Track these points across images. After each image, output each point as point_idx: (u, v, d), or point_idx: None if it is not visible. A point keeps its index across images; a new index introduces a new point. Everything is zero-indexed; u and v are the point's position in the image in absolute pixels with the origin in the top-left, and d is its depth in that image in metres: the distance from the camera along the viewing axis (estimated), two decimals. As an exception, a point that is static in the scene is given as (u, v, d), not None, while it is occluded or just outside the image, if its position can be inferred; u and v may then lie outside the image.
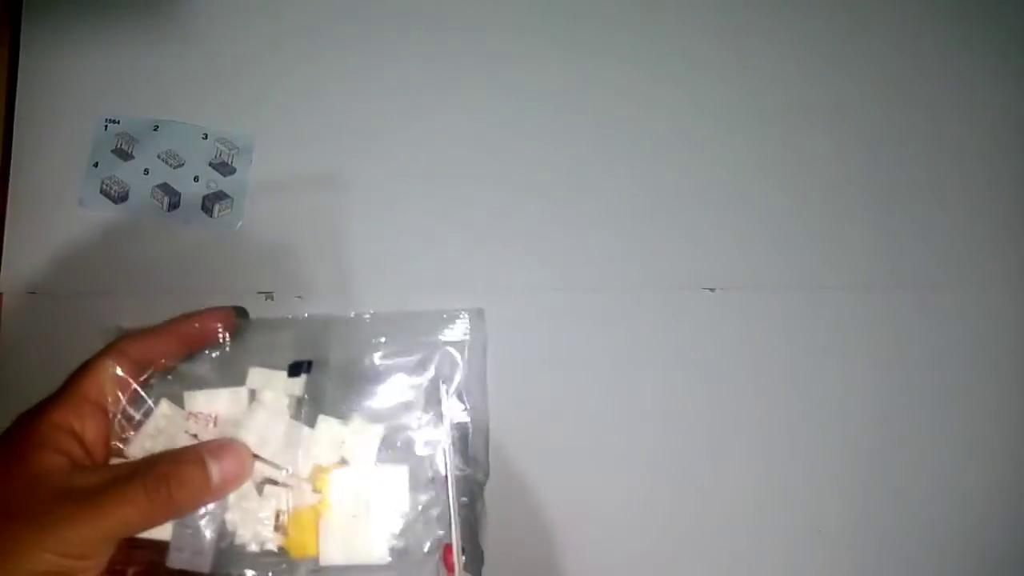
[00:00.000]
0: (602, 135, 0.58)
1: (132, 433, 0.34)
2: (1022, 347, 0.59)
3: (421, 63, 0.57)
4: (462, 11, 0.58)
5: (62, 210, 0.52)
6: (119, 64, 0.54)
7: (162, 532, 0.33)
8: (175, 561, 0.34)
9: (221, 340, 0.36)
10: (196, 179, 0.53)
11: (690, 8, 0.60)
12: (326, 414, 0.34)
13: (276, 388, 0.34)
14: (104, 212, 0.52)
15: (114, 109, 0.53)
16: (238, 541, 0.34)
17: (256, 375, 0.34)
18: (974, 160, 0.61)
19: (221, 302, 0.52)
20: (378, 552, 0.34)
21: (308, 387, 0.35)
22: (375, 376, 0.35)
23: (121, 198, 0.52)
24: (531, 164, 0.57)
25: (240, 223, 0.54)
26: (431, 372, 0.36)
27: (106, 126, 0.53)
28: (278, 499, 0.33)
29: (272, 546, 0.34)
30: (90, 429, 0.34)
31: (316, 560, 0.33)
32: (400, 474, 0.34)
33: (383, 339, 0.36)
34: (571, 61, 0.58)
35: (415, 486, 0.35)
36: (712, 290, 0.57)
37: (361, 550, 0.33)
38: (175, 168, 0.53)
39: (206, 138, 0.54)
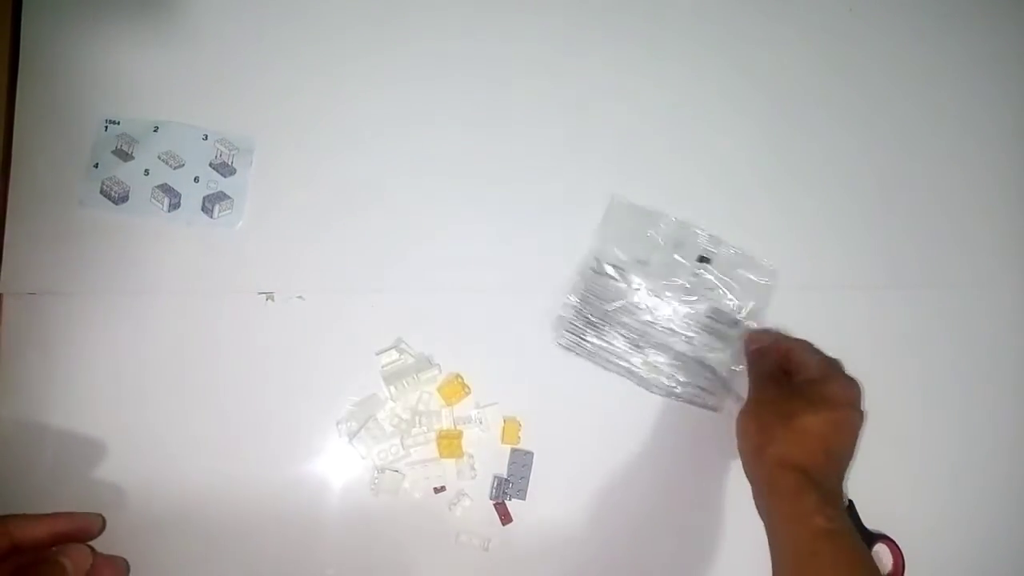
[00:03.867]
0: (603, 137, 0.58)
1: None
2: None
3: (424, 64, 0.57)
4: (464, 14, 0.58)
5: (62, 210, 0.52)
6: (119, 64, 0.54)
7: None
8: None
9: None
10: (196, 180, 0.53)
11: (691, 8, 0.60)
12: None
13: None
14: (104, 213, 0.52)
15: (114, 110, 0.53)
16: None
17: None
18: (975, 161, 0.61)
19: (221, 302, 0.52)
20: None
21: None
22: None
23: (121, 199, 0.52)
24: (535, 167, 0.57)
25: (240, 223, 0.54)
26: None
27: (106, 127, 0.53)
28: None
29: None
30: None
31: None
32: None
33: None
34: (573, 63, 0.58)
35: None
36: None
37: None
38: (175, 169, 0.53)
39: (206, 139, 0.54)
